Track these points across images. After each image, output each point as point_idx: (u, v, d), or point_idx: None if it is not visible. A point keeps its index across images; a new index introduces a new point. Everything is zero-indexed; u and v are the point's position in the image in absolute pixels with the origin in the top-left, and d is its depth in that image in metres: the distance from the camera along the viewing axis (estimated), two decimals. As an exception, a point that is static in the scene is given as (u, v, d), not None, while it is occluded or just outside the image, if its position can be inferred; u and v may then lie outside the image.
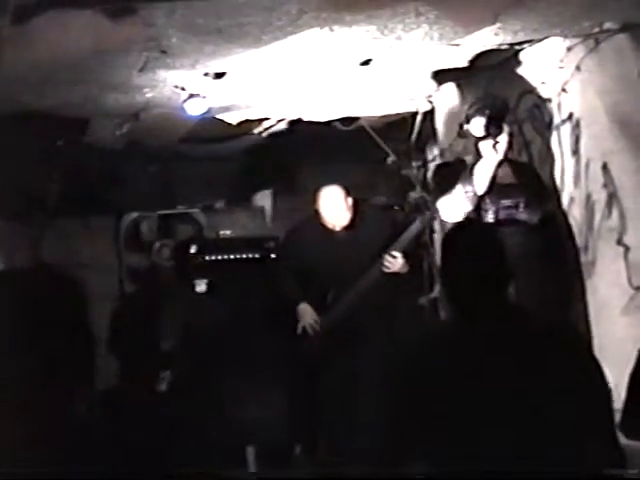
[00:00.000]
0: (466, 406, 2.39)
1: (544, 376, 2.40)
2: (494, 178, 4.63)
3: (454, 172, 4.75)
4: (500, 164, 4.65)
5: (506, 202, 4.63)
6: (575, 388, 2.40)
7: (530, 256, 4.54)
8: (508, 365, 2.40)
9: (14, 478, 2.13)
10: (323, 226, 5.36)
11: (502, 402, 2.37)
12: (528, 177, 4.77)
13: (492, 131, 4.58)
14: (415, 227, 5.12)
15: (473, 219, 4.51)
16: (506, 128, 4.64)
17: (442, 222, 5.50)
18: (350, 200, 5.32)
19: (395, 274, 5.20)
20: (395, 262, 5.13)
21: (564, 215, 4.74)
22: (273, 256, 6.33)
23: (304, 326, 5.37)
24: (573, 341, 2.57)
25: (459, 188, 4.64)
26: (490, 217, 4.62)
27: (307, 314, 5.37)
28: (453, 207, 4.67)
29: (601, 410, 2.44)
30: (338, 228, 5.33)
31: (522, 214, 4.62)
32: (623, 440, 2.58)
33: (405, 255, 5.13)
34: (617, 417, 2.63)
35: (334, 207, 5.30)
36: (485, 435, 2.36)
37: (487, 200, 4.62)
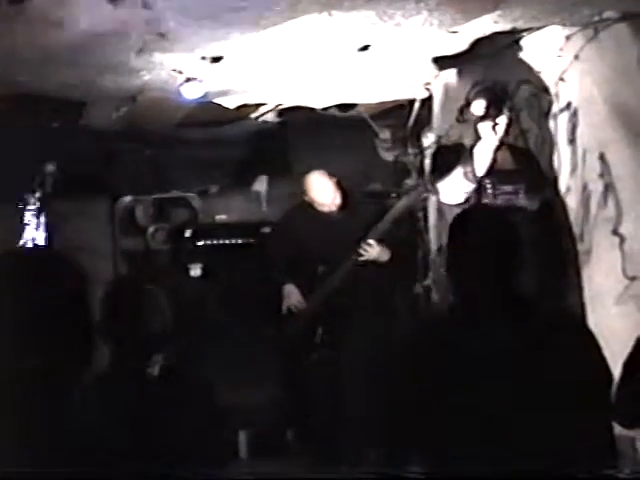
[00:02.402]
0: (463, 395, 2.39)
1: (546, 366, 2.39)
2: (494, 162, 4.64)
3: (454, 155, 4.78)
4: (499, 148, 4.66)
5: (506, 188, 4.65)
6: (578, 381, 2.40)
7: (528, 243, 4.53)
8: (509, 353, 2.40)
9: (13, 478, 2.12)
10: (314, 209, 5.45)
11: (502, 393, 2.36)
12: (528, 163, 4.77)
13: (492, 112, 4.60)
14: (402, 204, 5.21)
15: (485, 203, 4.53)
16: (506, 112, 4.66)
17: (439, 208, 5.52)
18: (335, 180, 5.49)
19: (376, 263, 5.27)
20: (370, 250, 5.21)
21: (562, 203, 4.74)
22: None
23: (288, 306, 5.46)
24: (578, 332, 2.57)
25: (459, 169, 4.66)
26: (492, 205, 4.63)
27: (292, 295, 5.46)
28: (453, 188, 4.69)
29: (601, 403, 2.45)
30: (331, 208, 5.44)
31: (522, 200, 4.63)
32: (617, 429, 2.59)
33: (380, 241, 5.19)
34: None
35: (322, 187, 5.49)
36: (483, 428, 2.36)
37: (487, 185, 4.63)
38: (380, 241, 5.25)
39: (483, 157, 4.63)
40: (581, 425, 2.38)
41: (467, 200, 4.66)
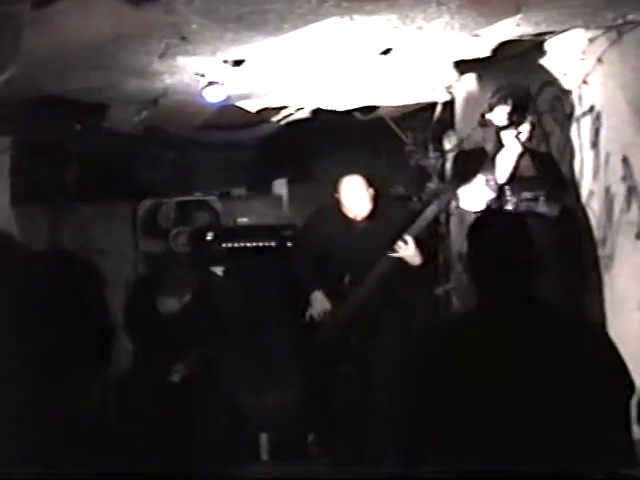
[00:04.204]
0: (485, 397, 2.39)
1: (564, 369, 2.39)
2: (516, 168, 4.60)
3: (474, 160, 4.71)
4: (522, 155, 4.61)
5: (526, 195, 4.58)
6: (595, 383, 2.40)
7: (548, 249, 4.50)
8: (528, 355, 2.40)
9: (15, 478, 2.13)
10: (342, 214, 5.34)
11: (519, 393, 2.37)
12: (549, 169, 4.72)
13: (515, 120, 4.54)
14: (431, 210, 5.08)
15: (502, 209, 4.49)
16: (529, 117, 4.61)
17: (460, 213, 5.49)
18: (371, 190, 5.31)
19: (408, 266, 5.16)
20: (406, 247, 5.08)
21: (582, 208, 4.72)
22: (290, 244, 6.32)
23: (312, 314, 5.36)
24: (596, 334, 2.57)
25: (480, 177, 4.60)
26: (510, 210, 4.58)
27: (318, 302, 5.35)
28: (474, 196, 4.63)
29: (620, 404, 2.44)
30: (358, 218, 5.31)
31: (542, 207, 4.58)
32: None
33: (419, 244, 5.09)
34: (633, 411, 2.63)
35: (356, 196, 5.27)
36: (501, 426, 2.37)
37: (507, 192, 4.59)
38: (416, 241, 5.11)
39: (506, 165, 4.57)
40: (599, 426, 2.38)
41: (487, 208, 4.60)
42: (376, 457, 4.91)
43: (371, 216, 5.30)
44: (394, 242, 5.07)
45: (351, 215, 5.30)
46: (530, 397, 2.37)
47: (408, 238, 5.03)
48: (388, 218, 5.28)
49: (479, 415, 2.38)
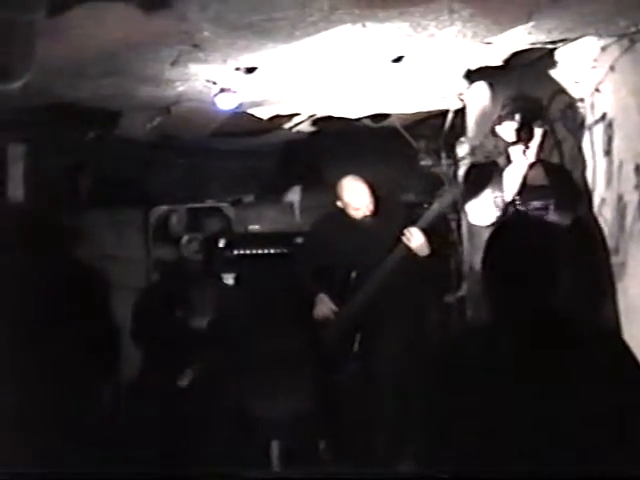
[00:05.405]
0: (496, 404, 2.39)
1: (578, 378, 2.39)
2: (524, 180, 4.58)
3: (486, 174, 4.71)
4: (532, 166, 4.61)
5: (536, 204, 4.57)
6: (611, 392, 2.39)
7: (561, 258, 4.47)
8: (541, 366, 2.39)
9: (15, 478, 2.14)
10: (347, 217, 5.42)
11: (533, 403, 2.36)
12: (560, 178, 4.71)
13: (523, 136, 4.54)
14: (435, 206, 5.17)
15: (523, 217, 4.47)
16: (539, 130, 4.60)
17: (470, 227, 5.49)
18: (369, 186, 5.43)
19: (416, 259, 5.19)
20: (413, 236, 5.13)
21: (594, 216, 4.70)
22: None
23: (317, 315, 5.41)
24: (613, 342, 2.56)
25: (488, 192, 4.60)
26: (531, 221, 4.55)
27: (323, 304, 5.41)
28: (482, 211, 4.63)
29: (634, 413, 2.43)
30: (365, 213, 5.37)
31: (553, 216, 4.56)
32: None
33: (426, 234, 5.15)
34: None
35: (358, 193, 5.42)
36: (514, 434, 2.36)
37: (517, 202, 4.58)
38: (423, 232, 5.18)
39: (513, 181, 4.56)
40: (613, 430, 2.37)
41: (507, 220, 4.59)
42: (387, 460, 4.93)
43: (374, 214, 5.39)
44: (400, 239, 5.15)
45: (359, 213, 5.39)
46: (546, 405, 2.36)
47: (413, 229, 5.10)
48: (391, 216, 5.37)
49: (494, 421, 2.38)
